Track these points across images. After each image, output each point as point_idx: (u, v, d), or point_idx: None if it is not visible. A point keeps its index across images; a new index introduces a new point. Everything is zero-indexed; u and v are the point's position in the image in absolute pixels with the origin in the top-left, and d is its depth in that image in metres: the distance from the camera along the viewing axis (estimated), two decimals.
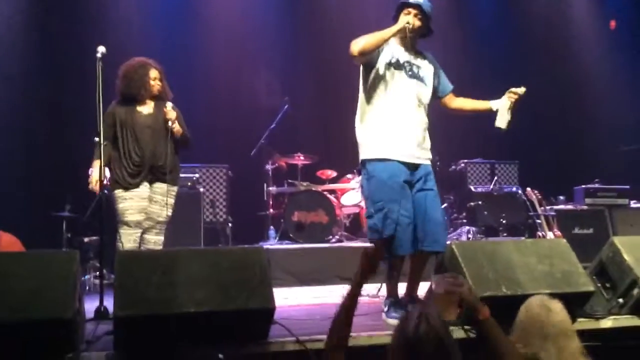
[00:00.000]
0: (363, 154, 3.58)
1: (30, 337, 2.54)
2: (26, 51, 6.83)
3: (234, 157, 7.20)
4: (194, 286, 2.76)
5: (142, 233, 4.20)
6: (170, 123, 4.13)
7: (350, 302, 2.36)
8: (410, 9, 3.56)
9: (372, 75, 3.56)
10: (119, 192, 4.11)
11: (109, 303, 3.39)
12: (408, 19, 3.49)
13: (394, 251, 3.43)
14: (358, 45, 3.38)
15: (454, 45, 8.19)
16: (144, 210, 4.13)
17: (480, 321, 2.38)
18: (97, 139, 3.61)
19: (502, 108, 3.67)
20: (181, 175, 6.49)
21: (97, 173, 3.92)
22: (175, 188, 4.32)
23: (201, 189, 6.52)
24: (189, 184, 6.35)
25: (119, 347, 2.70)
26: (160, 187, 4.22)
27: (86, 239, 5.60)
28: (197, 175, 6.63)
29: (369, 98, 3.58)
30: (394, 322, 3.21)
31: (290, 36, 8.07)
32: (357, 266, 2.49)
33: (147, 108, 4.21)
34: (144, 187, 4.16)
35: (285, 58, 8.03)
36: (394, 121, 3.52)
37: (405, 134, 3.52)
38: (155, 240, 4.23)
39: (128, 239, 4.07)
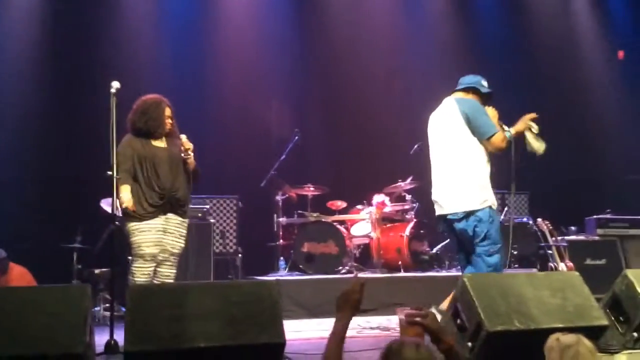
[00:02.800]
0: (484, 200, 3.90)
1: None
2: (41, 84, 6.96)
3: (244, 188, 7.23)
4: (204, 320, 2.75)
5: (156, 266, 4.18)
6: (187, 153, 4.19)
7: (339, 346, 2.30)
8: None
9: None
10: (134, 225, 4.08)
11: (119, 336, 3.40)
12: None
13: None
14: (506, 143, 3.95)
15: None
16: (159, 243, 4.12)
17: (444, 351, 2.32)
18: (109, 172, 3.64)
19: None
20: (191, 206, 6.60)
21: (127, 194, 4.00)
22: (187, 220, 4.36)
23: (212, 220, 6.54)
24: (200, 215, 6.36)
25: None
26: (174, 218, 4.23)
27: (97, 271, 5.60)
28: (207, 206, 6.65)
29: (478, 152, 3.94)
30: None
31: (301, 67, 8.17)
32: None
33: (162, 143, 4.27)
34: (159, 219, 4.15)
35: (296, 89, 8.12)
36: (489, 170, 4.02)
37: None
38: (169, 274, 4.20)
39: (142, 272, 4.04)
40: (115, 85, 3.78)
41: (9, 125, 6.77)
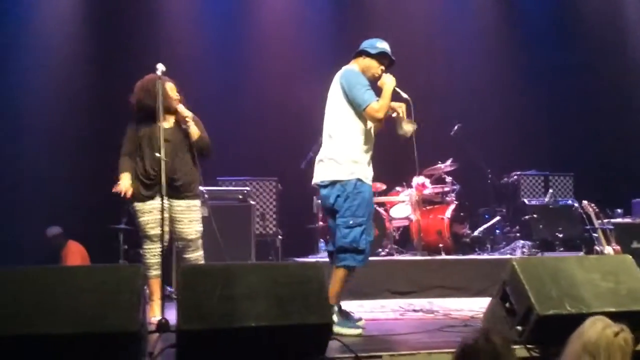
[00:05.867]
0: (351, 172, 3.79)
1: (97, 350, 2.60)
2: (86, 71, 7.12)
3: (284, 170, 7.26)
4: (253, 301, 2.78)
5: (180, 253, 4.19)
6: (185, 122, 4.05)
7: None
8: (385, 65, 3.99)
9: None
10: (137, 205, 4.05)
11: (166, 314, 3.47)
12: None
13: (362, 262, 3.79)
14: (382, 113, 3.80)
15: (506, 58, 8.15)
16: (165, 224, 3.92)
17: None
18: (157, 155, 3.66)
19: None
20: (232, 188, 6.67)
21: (125, 181, 4.01)
22: (197, 202, 4.20)
23: (252, 202, 6.58)
24: (240, 197, 6.41)
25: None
26: (179, 204, 4.10)
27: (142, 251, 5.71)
28: (247, 188, 6.70)
29: (355, 125, 3.85)
30: (343, 330, 3.54)
31: (341, 49, 8.09)
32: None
33: (166, 123, 4.07)
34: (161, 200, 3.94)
35: (335, 71, 8.06)
36: (369, 148, 3.89)
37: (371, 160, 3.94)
38: (196, 257, 4.15)
39: (152, 254, 4.01)
40: (161, 67, 3.81)
41: (61, 107, 6.97)
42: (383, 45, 4.00)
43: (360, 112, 3.81)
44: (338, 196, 3.77)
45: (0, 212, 6.44)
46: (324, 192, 3.86)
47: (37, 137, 6.88)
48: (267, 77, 7.75)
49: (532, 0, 8.91)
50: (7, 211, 6.47)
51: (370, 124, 3.89)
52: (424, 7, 8.51)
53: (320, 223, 6.89)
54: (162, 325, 3.27)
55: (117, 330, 2.59)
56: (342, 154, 3.80)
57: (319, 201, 6.89)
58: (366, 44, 4.01)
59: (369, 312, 4.83)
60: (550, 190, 7.18)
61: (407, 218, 6.95)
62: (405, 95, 3.92)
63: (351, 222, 3.72)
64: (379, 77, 3.94)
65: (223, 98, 7.39)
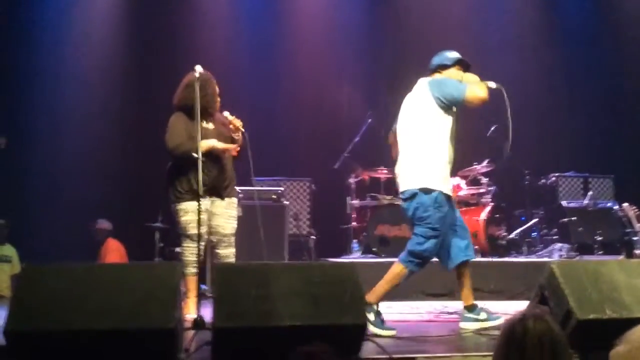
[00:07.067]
0: (434, 185, 3.78)
1: (134, 346, 2.65)
2: (122, 72, 7.27)
3: (317, 170, 7.28)
4: (288, 300, 2.79)
5: (213, 248, 4.21)
6: (238, 131, 4.04)
7: None
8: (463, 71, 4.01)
9: (447, 113, 3.84)
10: (180, 205, 4.04)
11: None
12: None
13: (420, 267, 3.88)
14: (483, 93, 3.83)
15: (545, 58, 8.01)
16: (205, 223, 4.00)
17: None
18: (195, 155, 3.70)
19: None
20: (266, 188, 6.71)
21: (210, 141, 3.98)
22: (235, 200, 4.27)
23: (285, 202, 6.60)
24: (274, 197, 6.44)
25: (217, 357, 2.77)
26: (219, 202, 4.15)
27: (177, 249, 5.78)
28: (281, 188, 6.72)
29: (443, 139, 3.85)
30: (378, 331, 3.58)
31: (374, 50, 8.11)
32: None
33: (209, 123, 4.08)
34: (205, 200, 3.97)
35: (368, 72, 8.06)
36: (451, 160, 3.89)
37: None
38: (227, 254, 4.19)
39: (191, 252, 4.04)
40: (199, 69, 3.85)
41: (99, 108, 7.14)
42: (454, 54, 4.03)
43: (459, 102, 3.81)
44: (416, 208, 3.78)
45: (41, 210, 6.62)
46: (404, 204, 3.90)
47: (76, 137, 7.05)
48: (301, 78, 7.79)
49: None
50: (48, 209, 6.64)
51: (453, 136, 3.89)
52: (458, 7, 8.42)
53: (354, 224, 6.88)
54: (198, 323, 3.31)
55: (154, 327, 2.63)
56: (426, 167, 3.80)
57: (353, 202, 6.95)
58: (439, 59, 4.03)
59: (401, 313, 4.78)
60: (590, 192, 7.03)
61: None
62: (494, 86, 3.93)
63: (430, 233, 3.75)
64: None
65: (258, 99, 7.46)
